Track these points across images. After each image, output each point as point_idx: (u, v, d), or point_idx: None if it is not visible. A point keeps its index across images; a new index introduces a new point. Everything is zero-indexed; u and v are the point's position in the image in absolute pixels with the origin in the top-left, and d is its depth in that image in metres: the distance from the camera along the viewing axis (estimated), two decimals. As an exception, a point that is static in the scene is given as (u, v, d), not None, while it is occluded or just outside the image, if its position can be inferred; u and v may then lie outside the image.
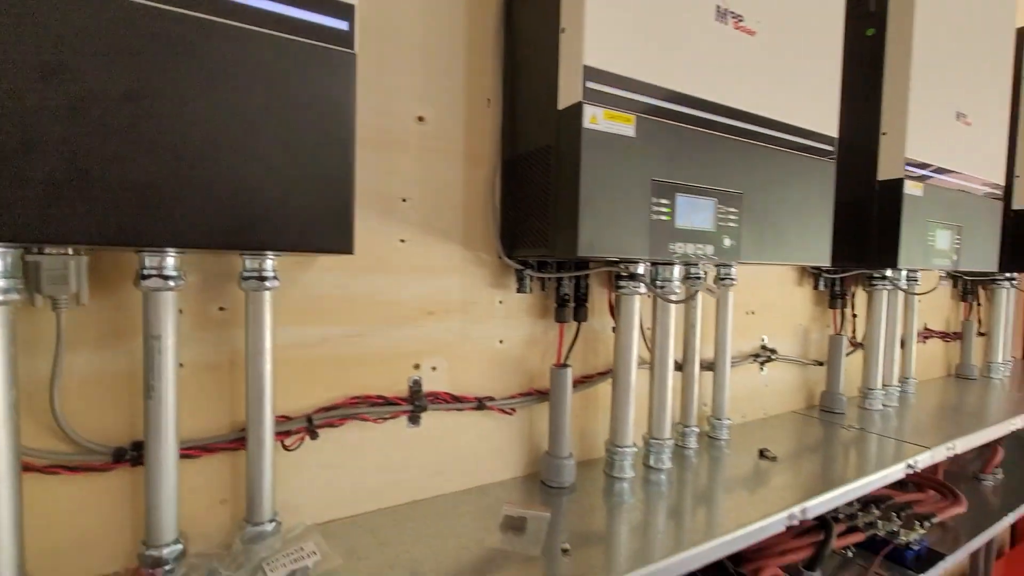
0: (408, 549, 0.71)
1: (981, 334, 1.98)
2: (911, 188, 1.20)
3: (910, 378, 1.64)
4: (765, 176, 0.90)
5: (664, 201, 0.78)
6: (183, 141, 0.47)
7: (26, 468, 0.58)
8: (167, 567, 0.61)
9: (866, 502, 1.30)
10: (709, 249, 0.84)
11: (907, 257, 1.21)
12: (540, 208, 0.78)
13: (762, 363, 1.32)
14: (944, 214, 1.29)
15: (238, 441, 0.69)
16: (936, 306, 1.89)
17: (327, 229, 0.54)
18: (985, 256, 1.44)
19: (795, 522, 0.86)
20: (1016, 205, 1.69)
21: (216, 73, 0.48)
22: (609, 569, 0.67)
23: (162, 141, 0.46)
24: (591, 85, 0.70)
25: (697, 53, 0.80)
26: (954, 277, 1.94)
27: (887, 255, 1.21)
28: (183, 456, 0.64)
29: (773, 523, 0.83)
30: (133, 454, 0.63)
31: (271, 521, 0.69)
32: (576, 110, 0.70)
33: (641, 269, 0.91)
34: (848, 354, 1.53)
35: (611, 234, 0.73)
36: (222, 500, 0.70)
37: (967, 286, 1.94)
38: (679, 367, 1.13)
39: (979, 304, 1.99)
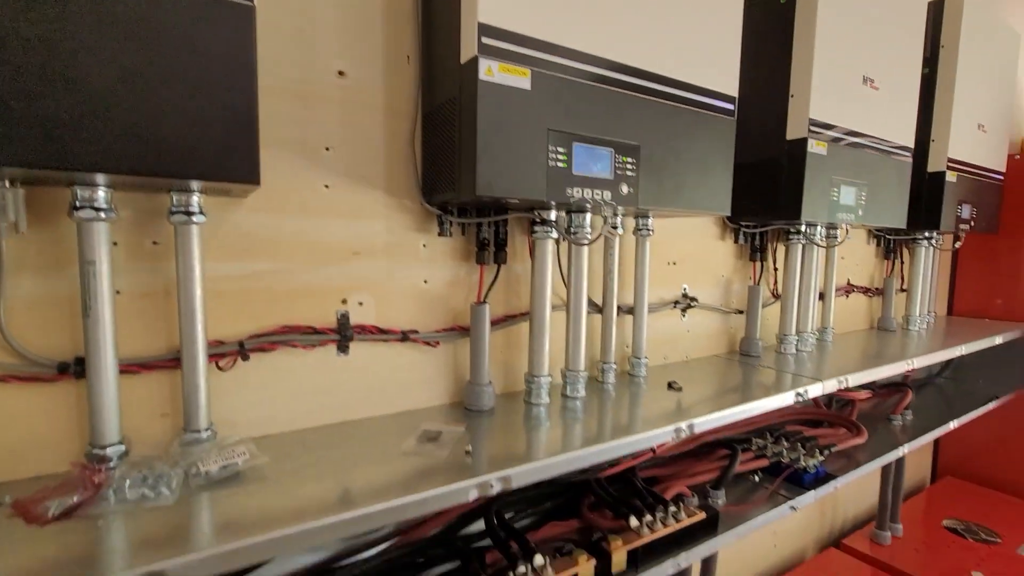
0: (332, 453, 0.82)
1: (903, 290, 2.14)
2: (815, 147, 1.31)
3: (828, 328, 1.79)
4: (663, 130, 0.99)
5: (561, 149, 0.87)
6: (94, 80, 0.54)
7: (-22, 377, 0.67)
8: (111, 463, 0.70)
9: (778, 436, 1.44)
10: (607, 195, 0.93)
11: (811, 211, 1.33)
12: (450, 155, 0.87)
13: (683, 310, 1.44)
14: (849, 172, 1.41)
15: (175, 360, 0.78)
16: (860, 263, 2.03)
17: (234, 162, 0.62)
18: (892, 213, 1.57)
19: (682, 435, 0.98)
20: (931, 168, 1.82)
21: (122, 20, 0.55)
22: (498, 464, 0.78)
23: (74, 80, 0.53)
24: (486, 40, 0.78)
25: (594, 13, 0.88)
26: (877, 236, 2.08)
27: (793, 209, 1.32)
28: (124, 372, 0.73)
29: (660, 434, 0.95)
30: (76, 368, 0.71)
31: (207, 430, 0.78)
32: (473, 63, 0.78)
33: (553, 215, 1.00)
34: (768, 305, 1.66)
35: (509, 177, 0.82)
36: (163, 414, 0.80)
37: (890, 244, 2.08)
38: (599, 310, 1.24)
39: (902, 262, 2.14)
